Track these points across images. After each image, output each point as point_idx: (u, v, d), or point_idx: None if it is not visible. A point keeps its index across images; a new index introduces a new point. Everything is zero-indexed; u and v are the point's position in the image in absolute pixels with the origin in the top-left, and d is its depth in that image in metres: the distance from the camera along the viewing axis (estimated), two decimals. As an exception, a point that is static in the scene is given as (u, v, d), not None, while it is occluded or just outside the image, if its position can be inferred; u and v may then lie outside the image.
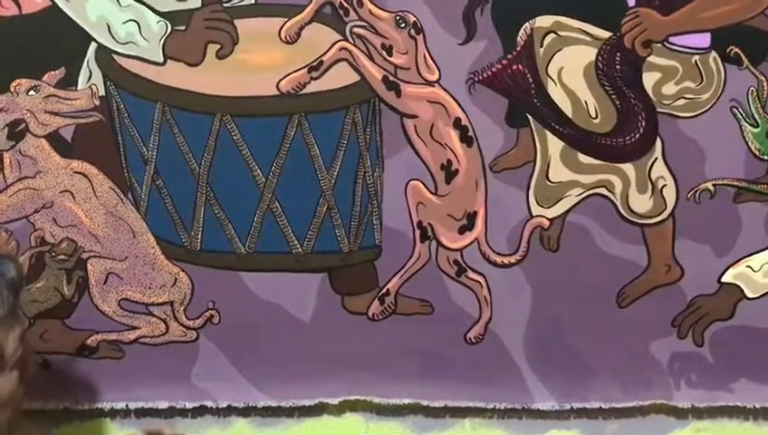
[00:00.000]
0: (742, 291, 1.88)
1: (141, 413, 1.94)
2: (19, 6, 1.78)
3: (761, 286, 1.87)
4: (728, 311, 1.89)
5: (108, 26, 1.78)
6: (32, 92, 1.81)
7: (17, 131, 1.83)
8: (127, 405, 1.93)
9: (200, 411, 1.95)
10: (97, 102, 1.82)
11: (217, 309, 1.92)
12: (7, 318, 0.94)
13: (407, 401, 1.92)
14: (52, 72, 1.81)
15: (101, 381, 1.93)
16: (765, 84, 1.78)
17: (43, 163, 1.84)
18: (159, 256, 1.88)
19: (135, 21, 1.78)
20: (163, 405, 1.94)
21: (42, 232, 1.87)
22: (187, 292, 1.91)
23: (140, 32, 1.78)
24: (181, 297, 1.91)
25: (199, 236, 1.87)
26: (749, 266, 1.86)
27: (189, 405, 1.94)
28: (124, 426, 1.94)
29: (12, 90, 1.82)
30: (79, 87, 1.82)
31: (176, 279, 1.89)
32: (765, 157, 1.82)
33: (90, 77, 1.82)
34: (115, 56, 1.80)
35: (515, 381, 1.91)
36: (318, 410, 1.93)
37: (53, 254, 1.88)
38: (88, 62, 1.81)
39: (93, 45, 1.80)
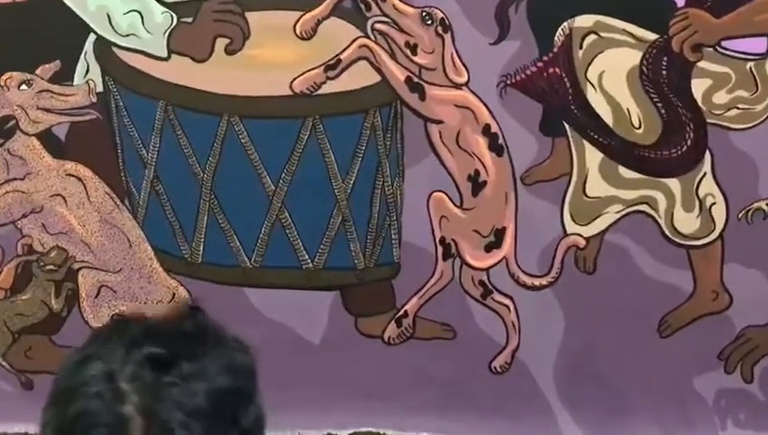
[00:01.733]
0: (797, 323, 1.87)
1: (133, 439, 1.87)
2: (13, -7, 1.78)
3: (817, 319, 1.85)
4: (781, 345, 1.87)
5: (108, 17, 1.76)
6: (23, 87, 1.80)
7: (6, 129, 1.81)
8: (118, 431, 1.87)
9: (197, 440, 1.87)
10: (94, 99, 1.81)
11: (219, 328, 1.87)
12: None
13: (424, 434, 1.90)
14: (46, 66, 1.79)
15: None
16: (826, 95, 1.77)
17: (33, 164, 1.83)
18: (157, 269, 1.86)
19: (138, 11, 1.76)
20: (157, 431, 1.87)
21: (30, 239, 1.86)
22: (186, 308, 1.87)
23: (143, 23, 1.77)
24: (180, 314, 1.87)
25: (201, 248, 1.85)
26: (805, 296, 1.87)
27: None
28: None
29: (2, 84, 1.80)
30: (75, 82, 1.81)
31: (174, 294, 1.88)
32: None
33: (87, 72, 1.80)
34: (115, 50, 1.79)
35: (544, 416, 1.89)
36: (326, 442, 1.87)
37: (42, 263, 1.86)
38: (85, 55, 1.80)
39: (92, 37, 1.79)
